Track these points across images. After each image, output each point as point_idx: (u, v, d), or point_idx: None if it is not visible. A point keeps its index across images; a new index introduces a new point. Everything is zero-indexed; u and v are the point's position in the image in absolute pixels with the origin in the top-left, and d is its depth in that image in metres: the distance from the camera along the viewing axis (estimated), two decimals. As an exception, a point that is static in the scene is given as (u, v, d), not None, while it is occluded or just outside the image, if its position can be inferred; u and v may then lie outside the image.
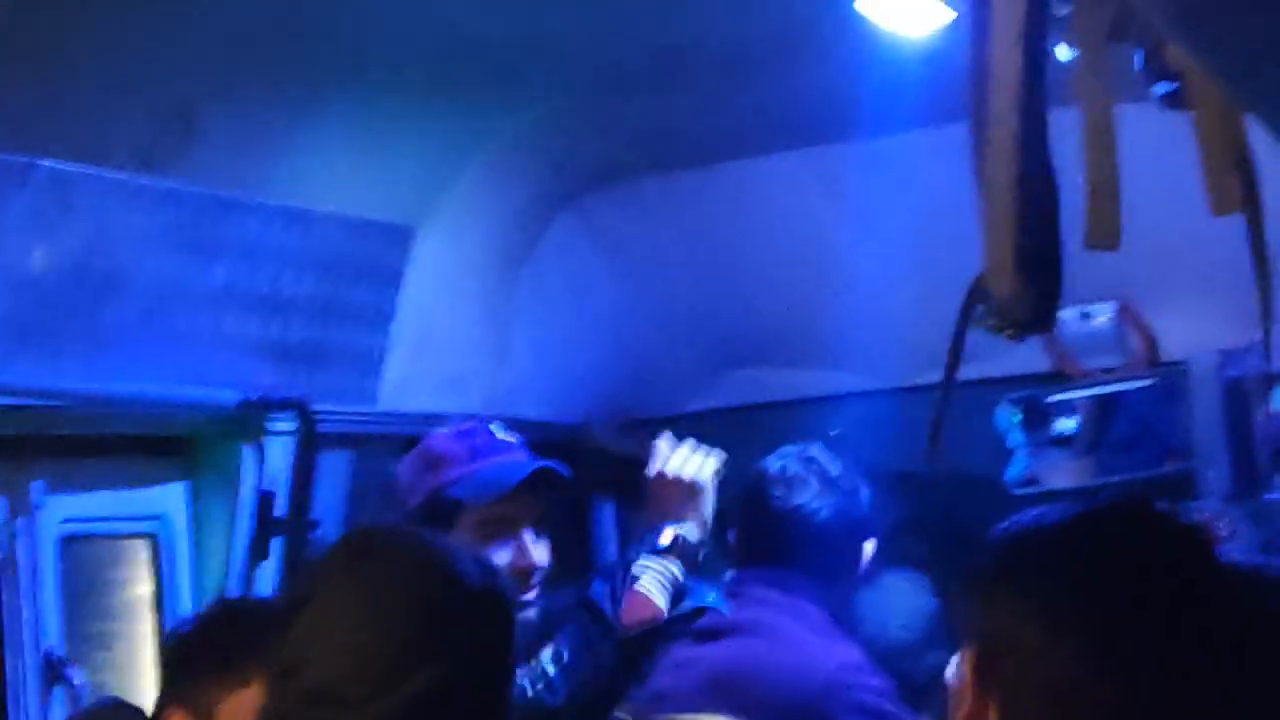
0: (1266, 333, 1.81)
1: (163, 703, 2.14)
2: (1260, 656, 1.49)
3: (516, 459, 2.86)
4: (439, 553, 1.88)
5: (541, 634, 2.76)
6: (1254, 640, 1.51)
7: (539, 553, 2.80)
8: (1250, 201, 1.73)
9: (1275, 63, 1.43)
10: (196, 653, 2.14)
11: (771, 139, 3.36)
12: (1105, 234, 1.68)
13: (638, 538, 2.93)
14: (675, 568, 2.85)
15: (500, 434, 2.89)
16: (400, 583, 1.81)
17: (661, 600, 2.84)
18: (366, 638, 1.77)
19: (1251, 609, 1.52)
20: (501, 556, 2.74)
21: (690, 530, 2.89)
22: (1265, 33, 1.34)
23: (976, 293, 1.69)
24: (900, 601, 3.31)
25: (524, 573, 2.75)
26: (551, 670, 2.71)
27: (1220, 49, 1.43)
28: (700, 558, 2.92)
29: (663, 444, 2.97)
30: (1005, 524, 1.62)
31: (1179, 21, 1.40)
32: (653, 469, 2.93)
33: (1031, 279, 1.66)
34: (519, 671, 2.74)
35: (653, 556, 2.85)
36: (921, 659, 3.17)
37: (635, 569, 2.84)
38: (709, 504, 2.93)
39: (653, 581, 2.84)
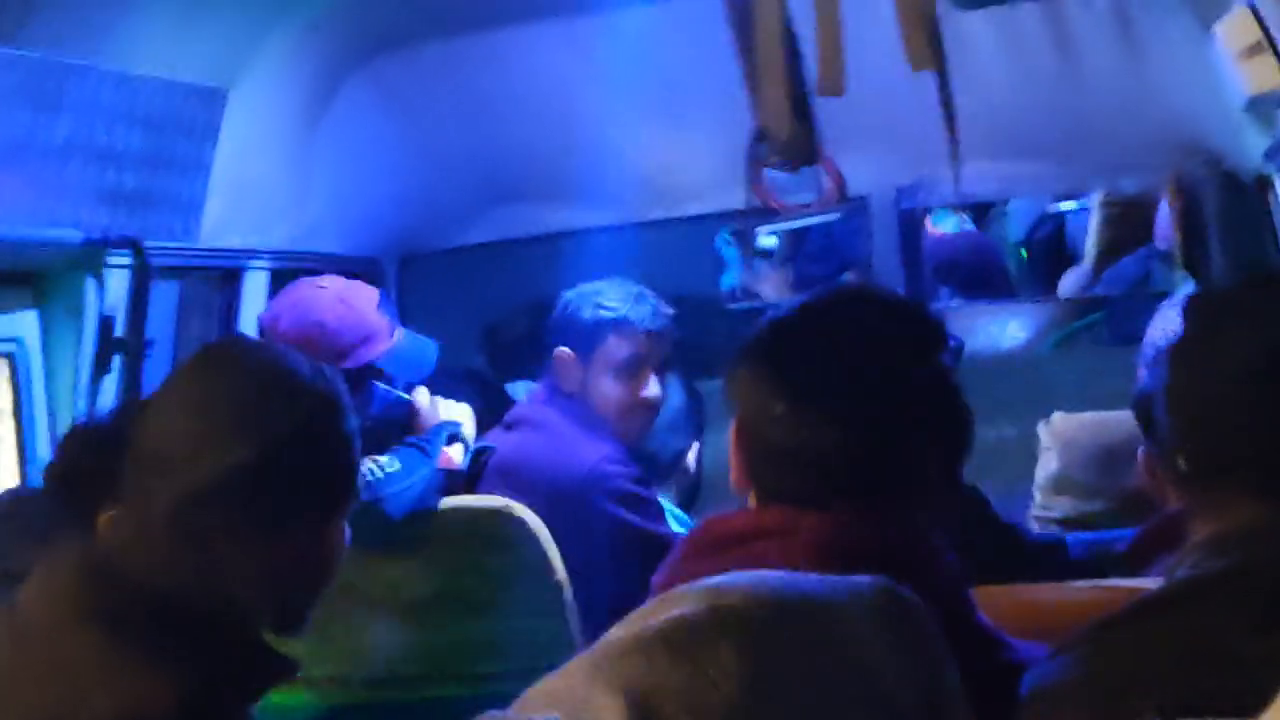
0: (955, 169, 2.03)
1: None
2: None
3: (422, 340, 3.30)
4: (276, 353, 1.94)
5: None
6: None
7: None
8: (938, 60, 1.96)
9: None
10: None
11: (533, 10, 3.60)
12: (833, 84, 1.88)
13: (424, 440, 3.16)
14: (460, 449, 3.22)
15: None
16: (230, 375, 1.87)
17: (460, 459, 3.21)
18: (191, 415, 1.83)
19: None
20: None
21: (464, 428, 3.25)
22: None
23: (760, 137, 1.93)
24: None
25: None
26: (379, 473, 2.99)
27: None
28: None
29: (421, 395, 3.26)
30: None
31: None
32: (422, 417, 3.22)
33: (802, 121, 1.92)
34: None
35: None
36: (666, 443, 3.56)
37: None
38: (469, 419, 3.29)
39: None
